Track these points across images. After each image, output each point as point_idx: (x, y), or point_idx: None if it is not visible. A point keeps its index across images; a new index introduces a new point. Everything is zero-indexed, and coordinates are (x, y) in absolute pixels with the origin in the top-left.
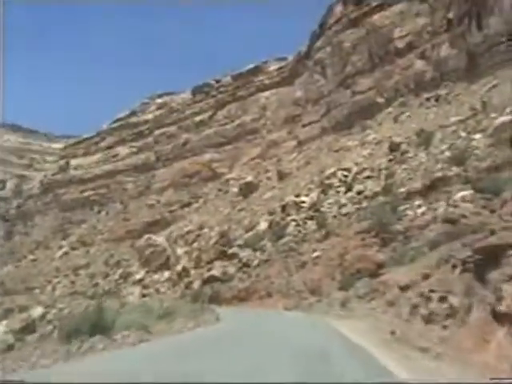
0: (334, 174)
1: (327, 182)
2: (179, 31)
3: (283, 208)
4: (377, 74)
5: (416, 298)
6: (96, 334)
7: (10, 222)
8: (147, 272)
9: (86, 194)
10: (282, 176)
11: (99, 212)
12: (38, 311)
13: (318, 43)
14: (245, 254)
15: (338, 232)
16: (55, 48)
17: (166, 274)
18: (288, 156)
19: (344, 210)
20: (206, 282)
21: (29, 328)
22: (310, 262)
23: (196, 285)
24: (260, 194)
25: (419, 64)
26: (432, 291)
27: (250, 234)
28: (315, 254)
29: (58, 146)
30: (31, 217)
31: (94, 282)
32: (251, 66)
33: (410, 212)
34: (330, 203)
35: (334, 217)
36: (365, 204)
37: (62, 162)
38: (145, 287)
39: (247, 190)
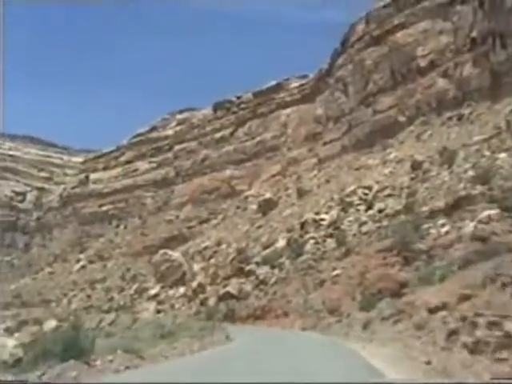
0: (354, 192)
1: (347, 199)
2: (201, 46)
3: (302, 225)
4: (399, 93)
5: (455, 323)
6: (70, 357)
7: (29, 234)
8: (162, 287)
9: (104, 208)
10: (301, 193)
11: (117, 226)
12: (51, 324)
13: (340, 61)
14: (262, 271)
15: (358, 250)
16: (75, 63)
17: (182, 289)
18: (308, 174)
19: (364, 229)
20: (222, 298)
21: (39, 341)
22: (329, 280)
23: (211, 301)
24: (279, 211)
25: (442, 83)
26: (478, 315)
27: (268, 251)
28: (335, 273)
29: (77, 159)
30: (50, 229)
31: (109, 297)
32: (272, 83)
33: (433, 231)
34: (350, 221)
35: (354, 235)
36: (386, 222)
37: (81, 176)
38: (160, 303)
39: (266, 206)
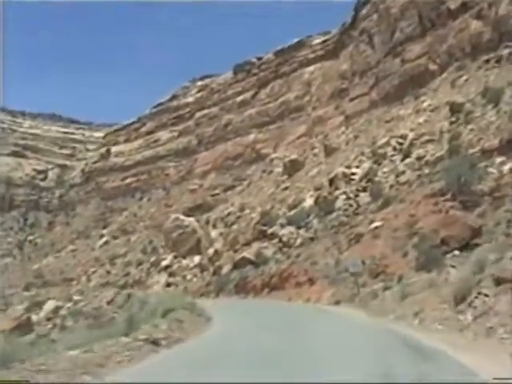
0: (387, 144)
1: (380, 151)
2: (216, 9)
3: (331, 182)
4: (428, 39)
5: None
6: None
7: (52, 212)
8: (175, 257)
9: (127, 181)
10: (329, 151)
11: (141, 199)
12: (50, 306)
13: (364, 11)
14: (286, 231)
15: (401, 198)
16: (92, 37)
17: (197, 258)
18: (335, 131)
19: (403, 178)
20: (236, 266)
21: (21, 328)
22: (368, 234)
23: (226, 269)
24: (306, 171)
25: (475, 25)
26: None
27: (294, 211)
28: (374, 225)
29: (99, 134)
30: (73, 206)
31: (126, 272)
32: (294, 40)
33: (492, 170)
34: (385, 172)
35: (392, 186)
36: (427, 170)
37: (102, 150)
38: (171, 275)
39: (292, 168)
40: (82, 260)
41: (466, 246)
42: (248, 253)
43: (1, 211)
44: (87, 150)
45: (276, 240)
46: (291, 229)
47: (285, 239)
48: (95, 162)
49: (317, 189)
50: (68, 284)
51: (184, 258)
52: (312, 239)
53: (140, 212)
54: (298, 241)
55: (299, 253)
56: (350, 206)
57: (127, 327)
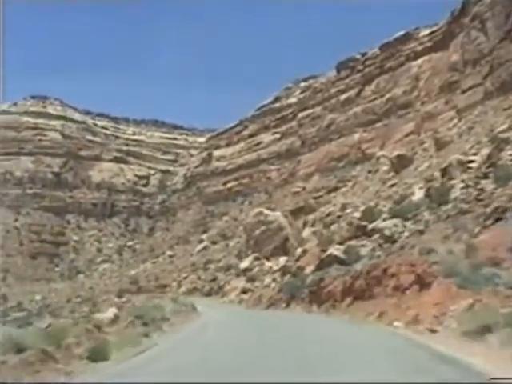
0: (510, 128)
1: (501, 136)
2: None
3: (444, 172)
4: None
5: None
6: None
7: (153, 218)
8: (257, 259)
9: (228, 185)
10: (440, 145)
11: (242, 203)
12: (108, 315)
13: None
14: (389, 224)
15: None
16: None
17: (282, 260)
18: (446, 126)
19: None
20: (321, 266)
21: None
22: None
23: (308, 271)
24: (415, 166)
25: None
26: None
27: (401, 205)
28: None
29: (202, 140)
30: (174, 212)
31: (214, 277)
32: (400, 33)
33: None
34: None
35: None
36: None
37: (204, 155)
38: (250, 279)
39: (399, 164)
40: (179, 266)
41: None
42: (336, 249)
43: (103, 217)
44: (190, 155)
45: (377, 236)
46: (396, 221)
47: (387, 233)
48: (197, 167)
49: (428, 181)
50: (162, 291)
51: (267, 259)
52: (422, 232)
53: (240, 216)
54: (405, 234)
55: (403, 244)
56: (470, 194)
57: None
